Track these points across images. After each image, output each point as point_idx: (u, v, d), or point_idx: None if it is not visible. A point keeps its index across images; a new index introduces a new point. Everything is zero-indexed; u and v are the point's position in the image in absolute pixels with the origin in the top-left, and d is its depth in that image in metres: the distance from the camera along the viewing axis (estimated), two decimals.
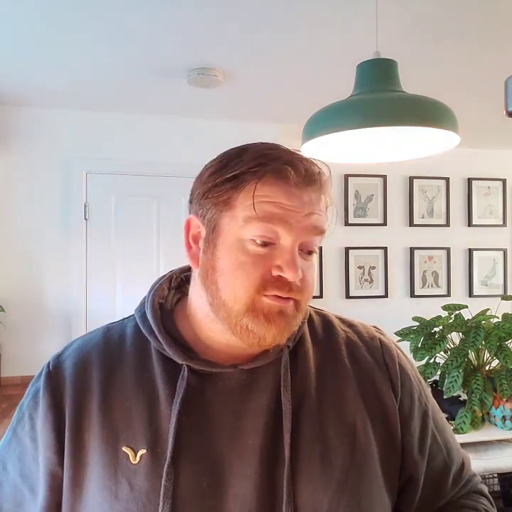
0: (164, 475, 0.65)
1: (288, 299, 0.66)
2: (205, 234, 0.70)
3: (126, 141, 3.06)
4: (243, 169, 0.66)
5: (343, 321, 0.83)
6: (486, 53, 2.21)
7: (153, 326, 0.73)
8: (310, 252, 0.69)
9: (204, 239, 0.70)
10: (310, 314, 0.81)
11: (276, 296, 0.66)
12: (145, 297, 0.78)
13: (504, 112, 0.83)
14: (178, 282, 0.80)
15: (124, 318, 0.80)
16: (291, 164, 0.67)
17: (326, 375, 0.74)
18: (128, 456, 0.67)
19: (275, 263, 0.66)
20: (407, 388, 0.78)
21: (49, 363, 0.76)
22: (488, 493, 0.84)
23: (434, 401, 0.83)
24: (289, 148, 0.71)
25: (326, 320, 0.82)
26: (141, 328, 0.74)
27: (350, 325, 0.83)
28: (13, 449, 0.75)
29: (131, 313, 0.80)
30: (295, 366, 0.73)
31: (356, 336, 0.80)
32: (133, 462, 0.67)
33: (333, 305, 3.57)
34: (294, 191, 0.67)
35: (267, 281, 0.66)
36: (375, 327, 0.84)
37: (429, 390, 0.83)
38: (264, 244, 0.66)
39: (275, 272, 0.65)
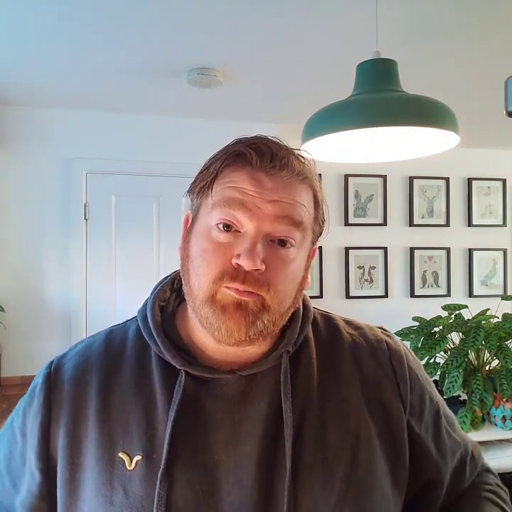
0: (158, 482, 0.64)
1: (250, 293, 0.63)
2: (190, 224, 0.71)
3: (126, 141, 3.06)
4: (217, 157, 0.68)
5: (349, 323, 0.81)
6: (486, 53, 2.21)
7: (152, 329, 0.72)
8: (284, 244, 0.65)
9: (188, 229, 0.71)
10: (315, 317, 0.78)
11: (234, 288, 0.63)
12: (147, 299, 0.77)
13: (504, 111, 0.82)
14: (180, 284, 0.78)
15: (127, 320, 0.79)
16: (254, 148, 0.65)
17: (329, 381, 0.72)
18: (124, 461, 0.66)
19: (236, 252, 0.63)
20: (417, 391, 0.76)
21: (51, 363, 0.75)
22: (492, 470, 0.85)
23: (440, 396, 0.82)
24: (271, 137, 0.68)
25: (331, 323, 0.79)
26: (142, 330, 0.73)
27: (357, 327, 0.80)
28: (6, 438, 0.76)
29: (133, 314, 0.79)
30: (297, 372, 0.71)
31: (362, 338, 0.78)
32: (128, 468, 0.66)
33: (333, 305, 3.57)
34: (258, 176, 0.65)
35: (225, 271, 0.63)
36: (381, 328, 0.82)
37: (434, 386, 0.82)
38: (227, 230, 0.65)
39: (234, 260, 0.63)
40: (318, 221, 0.72)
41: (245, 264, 0.62)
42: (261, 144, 0.66)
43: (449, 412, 0.82)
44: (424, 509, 0.77)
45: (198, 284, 0.66)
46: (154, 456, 0.66)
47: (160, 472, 0.64)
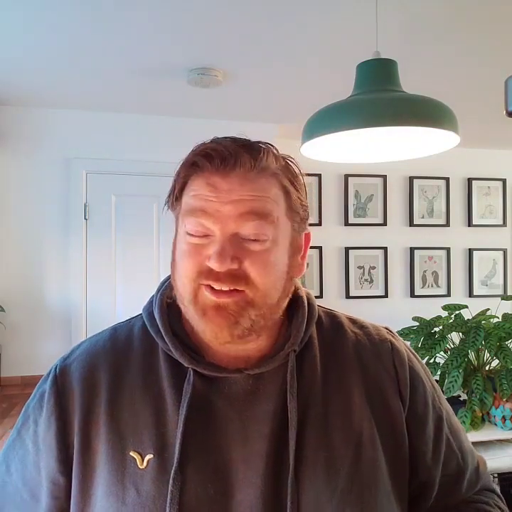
0: (171, 481, 0.64)
1: (229, 292, 0.64)
2: (174, 235, 0.73)
3: (126, 141, 3.06)
4: (178, 169, 0.70)
5: (353, 322, 0.81)
6: (486, 53, 2.21)
7: (160, 327, 0.72)
8: (256, 239, 0.65)
9: (173, 240, 0.73)
10: (319, 315, 0.78)
11: (211, 288, 0.65)
12: (153, 296, 0.77)
13: (504, 111, 0.83)
14: None
15: (132, 318, 0.79)
16: (203, 154, 0.67)
17: (332, 380, 0.73)
18: (135, 460, 0.67)
19: (208, 254, 0.65)
20: (419, 393, 0.76)
21: (56, 366, 0.75)
22: (499, 492, 0.83)
23: (448, 404, 0.81)
24: (222, 137, 0.68)
25: (335, 321, 0.79)
26: (149, 328, 0.73)
27: (361, 326, 0.80)
28: (16, 450, 0.75)
29: (134, 314, 0.79)
30: (302, 371, 0.72)
31: (366, 338, 0.78)
32: (140, 467, 0.66)
33: (333, 305, 3.55)
34: (212, 181, 0.66)
35: (201, 271, 0.66)
36: (386, 328, 0.81)
37: (441, 393, 0.82)
38: (200, 236, 0.66)
39: (207, 262, 0.65)
40: (295, 207, 0.70)
41: (215, 266, 0.64)
42: (209, 149, 0.66)
43: (455, 421, 0.81)
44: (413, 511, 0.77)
45: (182, 286, 0.68)
46: (166, 455, 0.66)
47: (173, 471, 0.65)
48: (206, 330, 0.66)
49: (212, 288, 0.65)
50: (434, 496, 0.76)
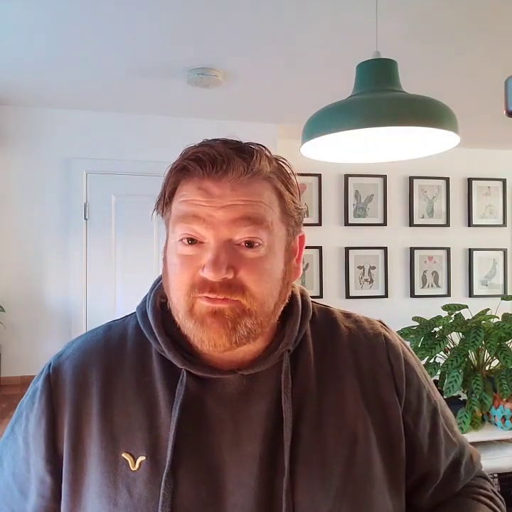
0: (163, 483, 0.64)
1: (224, 299, 0.63)
2: (165, 242, 0.72)
3: (126, 141, 3.06)
4: (167, 174, 0.67)
5: (347, 316, 0.80)
6: (486, 53, 2.21)
7: (153, 327, 0.71)
8: (251, 245, 0.64)
9: (164, 247, 0.72)
10: (313, 312, 0.78)
11: (206, 297, 0.63)
12: (147, 295, 0.76)
13: (504, 111, 0.83)
14: None
15: (126, 316, 0.79)
16: (194, 158, 0.64)
17: (326, 377, 0.72)
18: (127, 462, 0.66)
19: (202, 263, 0.63)
20: (414, 387, 0.76)
21: (50, 364, 0.74)
22: (490, 480, 0.85)
23: (440, 396, 0.82)
24: (212, 140, 0.66)
25: (329, 317, 0.79)
26: (142, 328, 0.73)
27: (355, 321, 0.79)
28: (9, 446, 0.75)
29: (133, 311, 0.79)
30: (295, 370, 0.71)
31: (360, 333, 0.77)
32: (132, 469, 0.66)
33: (333, 305, 3.56)
34: (205, 185, 0.64)
35: (194, 283, 0.64)
36: (380, 322, 0.81)
37: (434, 384, 0.82)
38: (191, 243, 0.64)
39: (200, 273, 0.63)
40: (289, 211, 0.69)
41: (210, 276, 0.62)
42: (200, 153, 0.64)
43: (449, 413, 0.82)
44: (415, 504, 0.78)
45: (176, 300, 0.66)
46: (158, 457, 0.66)
47: (165, 473, 0.64)
48: (204, 338, 0.64)
49: (207, 297, 0.63)
50: (433, 488, 0.77)
